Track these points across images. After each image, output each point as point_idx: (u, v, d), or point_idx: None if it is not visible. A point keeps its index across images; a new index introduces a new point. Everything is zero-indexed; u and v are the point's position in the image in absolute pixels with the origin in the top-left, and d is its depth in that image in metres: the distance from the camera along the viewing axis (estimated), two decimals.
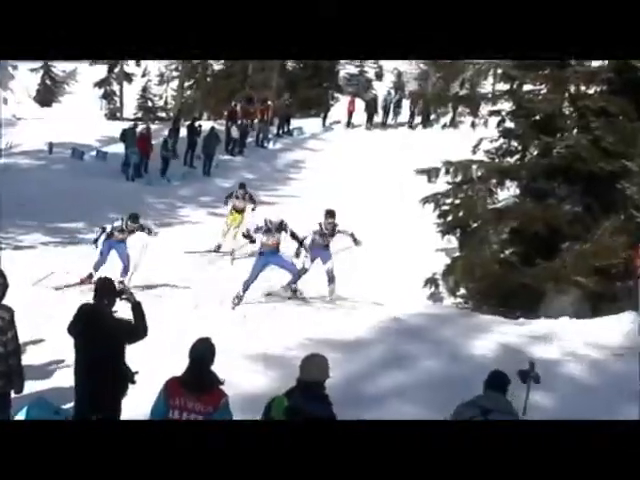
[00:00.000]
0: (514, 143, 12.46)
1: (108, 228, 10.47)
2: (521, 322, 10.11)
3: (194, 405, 4.33)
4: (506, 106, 12.59)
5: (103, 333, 5.02)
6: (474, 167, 12.26)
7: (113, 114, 29.04)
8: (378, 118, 24.75)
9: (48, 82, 38.84)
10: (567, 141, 11.64)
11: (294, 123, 24.65)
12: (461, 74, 14.54)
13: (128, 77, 35.44)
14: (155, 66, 38.19)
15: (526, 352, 8.36)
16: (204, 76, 32.68)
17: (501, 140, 12.45)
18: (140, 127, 20.37)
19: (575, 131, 11.97)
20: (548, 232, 11.27)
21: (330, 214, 10.71)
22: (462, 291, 12.03)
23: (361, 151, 21.50)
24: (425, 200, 12.60)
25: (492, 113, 12.78)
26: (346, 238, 10.79)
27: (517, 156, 12.47)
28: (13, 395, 5.13)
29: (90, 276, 10.12)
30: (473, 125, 13.33)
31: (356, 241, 10.72)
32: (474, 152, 12.44)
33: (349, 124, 24.83)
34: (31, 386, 5.73)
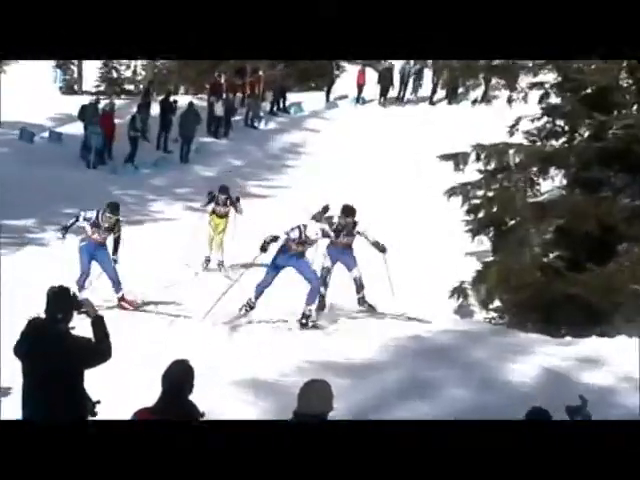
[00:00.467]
0: (560, 123, 12.48)
1: (80, 217, 10.50)
2: (568, 341, 10.12)
3: None
4: (550, 77, 12.61)
5: (56, 354, 4.99)
6: (511, 152, 12.29)
7: (70, 87, 29.04)
8: (394, 92, 24.74)
9: None
10: (625, 120, 11.66)
11: (291, 98, 24.68)
12: None
13: None
14: None
15: (574, 378, 8.37)
16: None
17: (544, 119, 12.46)
18: (103, 103, 20.42)
19: (635, 108, 11.98)
20: (601, 231, 11.28)
21: (348, 211, 10.55)
22: (496, 303, 12.06)
23: (372, 132, 21.52)
24: (451, 192, 12.63)
25: (533, 86, 12.80)
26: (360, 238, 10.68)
27: (563, 138, 12.49)
28: None
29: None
30: (510, 101, 13.36)
31: (381, 248, 10.57)
32: (511, 134, 12.46)
33: (358, 99, 24.86)
34: None
